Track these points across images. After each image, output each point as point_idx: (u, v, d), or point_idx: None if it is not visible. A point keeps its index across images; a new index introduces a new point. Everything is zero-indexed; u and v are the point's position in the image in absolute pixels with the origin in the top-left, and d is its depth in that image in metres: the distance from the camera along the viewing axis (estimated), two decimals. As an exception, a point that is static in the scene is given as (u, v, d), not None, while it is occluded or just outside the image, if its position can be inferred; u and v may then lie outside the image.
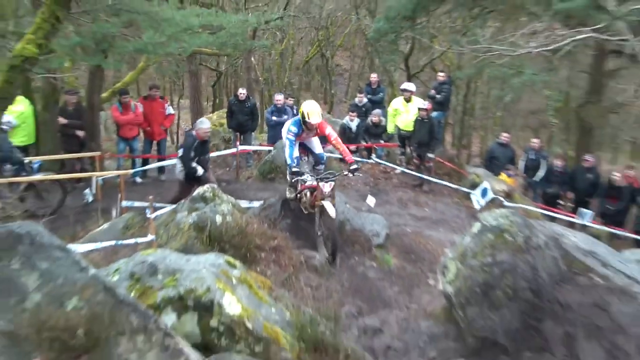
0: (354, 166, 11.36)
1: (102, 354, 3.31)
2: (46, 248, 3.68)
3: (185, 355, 3.23)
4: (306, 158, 12.47)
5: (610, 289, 6.41)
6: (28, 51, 9.30)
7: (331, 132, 11.77)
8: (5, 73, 9.18)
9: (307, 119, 11.26)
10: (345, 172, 11.38)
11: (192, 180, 13.55)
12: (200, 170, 14.06)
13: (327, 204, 10.45)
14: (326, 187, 10.74)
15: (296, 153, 11.52)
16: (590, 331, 6.16)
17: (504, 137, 21.35)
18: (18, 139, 15.75)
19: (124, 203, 13.80)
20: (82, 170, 16.53)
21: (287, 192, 12.02)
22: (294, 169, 11.23)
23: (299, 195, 11.60)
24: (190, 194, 10.04)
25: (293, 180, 11.68)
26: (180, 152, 14.28)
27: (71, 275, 3.57)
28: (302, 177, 11.25)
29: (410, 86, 20.22)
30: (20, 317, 3.43)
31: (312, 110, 11.32)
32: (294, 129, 11.51)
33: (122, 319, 3.38)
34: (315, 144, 12.41)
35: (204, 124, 14.42)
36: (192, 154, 14.01)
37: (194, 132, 14.19)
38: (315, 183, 10.94)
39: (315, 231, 10.94)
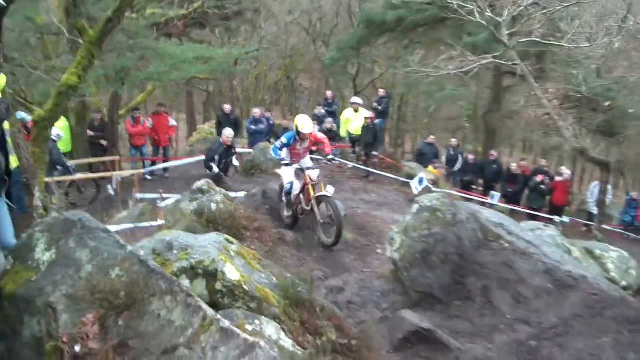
0: (330, 156, 11.09)
1: (139, 311, 3.34)
2: (93, 230, 3.72)
3: (204, 311, 3.27)
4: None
5: (514, 251, 6.54)
6: (71, 81, 9.30)
7: (319, 134, 11.32)
8: (55, 98, 9.22)
9: (300, 129, 10.41)
10: (325, 160, 11.02)
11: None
12: (215, 169, 14.47)
13: (321, 186, 9.94)
14: (313, 173, 10.16)
15: (283, 154, 10.64)
16: (501, 283, 6.27)
17: (431, 138, 21.69)
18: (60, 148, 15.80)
19: (138, 195, 13.79)
20: (106, 170, 16.49)
21: (285, 212, 10.96)
22: (284, 162, 10.58)
23: (295, 208, 10.69)
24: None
25: (286, 198, 10.79)
26: (206, 153, 14.91)
27: (113, 251, 3.61)
28: (293, 166, 10.54)
29: (358, 100, 20.29)
30: (77, 283, 3.47)
31: (304, 122, 10.52)
32: (284, 140, 10.63)
33: (153, 284, 3.41)
34: (308, 162, 11.06)
35: (227, 131, 14.81)
36: (217, 157, 14.53)
37: (220, 139, 14.59)
38: (305, 175, 10.29)
39: (317, 221, 10.04)
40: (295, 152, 10.76)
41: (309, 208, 10.22)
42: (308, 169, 10.40)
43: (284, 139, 10.67)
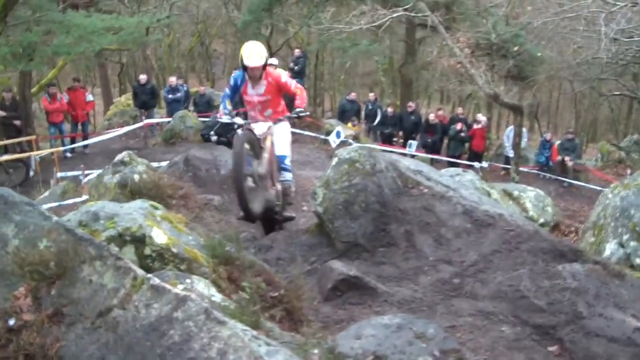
0: (299, 109, 7.39)
1: (70, 279, 3.39)
2: (17, 204, 3.72)
3: (134, 271, 3.35)
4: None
5: (433, 195, 6.76)
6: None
7: (288, 80, 7.70)
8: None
9: (245, 61, 7.08)
10: (294, 115, 7.45)
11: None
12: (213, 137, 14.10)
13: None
14: (258, 128, 7.34)
15: (229, 106, 7.44)
16: (422, 227, 6.50)
17: (352, 95, 21.91)
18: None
19: (59, 174, 13.57)
20: (22, 151, 16.11)
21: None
22: (224, 120, 7.59)
23: None
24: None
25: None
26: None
27: (39, 222, 3.64)
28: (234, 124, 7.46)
29: (274, 60, 20.19)
30: (5, 257, 3.50)
31: (250, 51, 7.14)
32: (231, 82, 7.59)
33: (82, 251, 3.46)
34: (278, 139, 7.60)
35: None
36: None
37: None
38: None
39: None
40: (248, 100, 7.66)
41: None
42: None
43: (228, 82, 7.84)
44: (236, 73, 7.60)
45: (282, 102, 7.81)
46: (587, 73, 19.25)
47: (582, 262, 5.61)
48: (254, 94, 7.46)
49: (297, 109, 7.43)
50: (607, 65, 16.09)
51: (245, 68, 7.19)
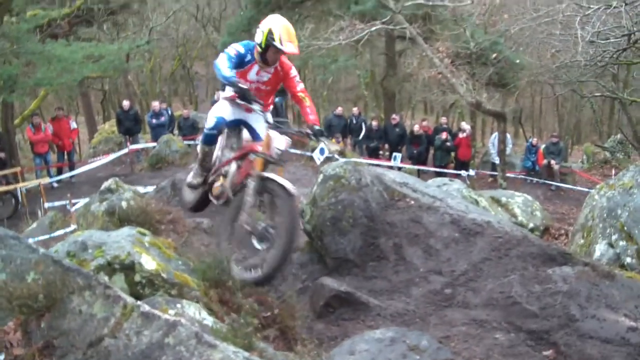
0: (318, 128, 5.71)
1: (60, 310, 3.39)
2: (3, 238, 3.74)
3: (124, 299, 3.35)
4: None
5: (420, 206, 6.77)
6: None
7: (297, 77, 6.04)
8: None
9: (276, 42, 5.36)
10: (308, 131, 5.62)
11: None
12: None
13: (280, 170, 6.19)
14: (279, 140, 5.76)
15: (232, 72, 5.39)
16: (410, 239, 6.50)
17: (339, 110, 22.03)
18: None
19: (47, 204, 13.56)
20: (8, 184, 16.07)
21: (191, 179, 6.44)
22: (231, 85, 5.33)
23: (211, 177, 6.29)
24: None
25: (202, 152, 6.08)
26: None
27: (26, 255, 3.64)
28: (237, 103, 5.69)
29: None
30: (-8, 292, 3.51)
31: (288, 32, 5.46)
32: (241, 50, 5.60)
33: (70, 281, 3.45)
34: (259, 125, 5.87)
35: None
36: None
37: None
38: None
39: (240, 220, 5.65)
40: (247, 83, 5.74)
41: (232, 192, 5.87)
42: (272, 124, 5.78)
43: (240, 48, 5.65)
44: (244, 47, 5.66)
45: (272, 97, 6.35)
46: (567, 76, 19.35)
47: (572, 265, 5.63)
48: (255, 80, 5.85)
49: (316, 128, 5.72)
50: (586, 67, 16.19)
51: (266, 49, 5.53)
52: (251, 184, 5.48)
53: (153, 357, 3.07)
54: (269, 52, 5.55)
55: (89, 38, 23.10)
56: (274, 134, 5.69)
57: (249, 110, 5.81)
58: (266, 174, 5.51)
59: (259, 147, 5.64)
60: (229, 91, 5.79)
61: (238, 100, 5.67)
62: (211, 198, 6.38)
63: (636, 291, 5.22)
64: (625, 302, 5.06)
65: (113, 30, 28.83)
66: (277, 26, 5.42)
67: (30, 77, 16.16)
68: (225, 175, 6.02)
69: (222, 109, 5.82)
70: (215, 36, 34.26)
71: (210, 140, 5.99)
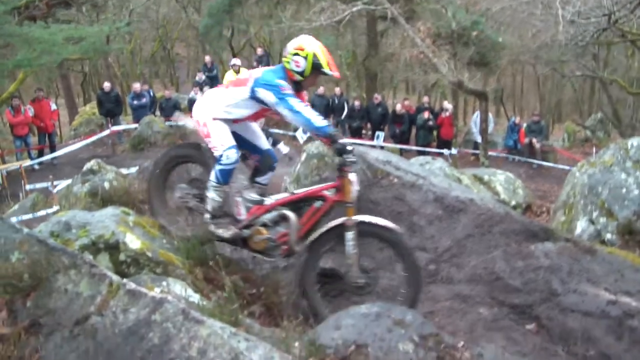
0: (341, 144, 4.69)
1: (45, 289, 3.38)
2: (-15, 220, 3.74)
3: (109, 277, 3.34)
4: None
5: (403, 184, 6.78)
6: None
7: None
8: None
9: (324, 68, 4.78)
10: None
11: None
12: None
13: (371, 217, 4.93)
14: (354, 179, 4.75)
15: (322, 122, 4.80)
16: (394, 217, 6.51)
17: (320, 89, 21.93)
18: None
19: (28, 186, 13.46)
20: (-13, 166, 15.98)
21: (215, 228, 5.04)
22: (340, 140, 4.67)
23: (245, 232, 5.02)
24: None
25: (224, 194, 5.02)
26: None
27: (10, 235, 3.62)
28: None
29: (237, 61, 20.17)
30: (-23, 273, 3.49)
31: (325, 51, 4.85)
32: (285, 82, 4.79)
33: (55, 261, 3.45)
34: (259, 135, 5.58)
35: None
36: None
37: None
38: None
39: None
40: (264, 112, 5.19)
41: (298, 248, 4.93)
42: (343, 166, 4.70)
43: (283, 85, 4.78)
44: (282, 79, 4.83)
45: None
46: (547, 56, 19.48)
47: (554, 241, 5.69)
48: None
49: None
50: (566, 47, 16.29)
51: (315, 70, 4.83)
52: (349, 235, 4.73)
53: (140, 333, 3.07)
54: (310, 78, 4.91)
55: (68, 20, 22.79)
56: (352, 176, 4.72)
57: (236, 122, 5.12)
58: (361, 218, 4.80)
59: (335, 194, 4.83)
60: (226, 113, 5.02)
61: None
62: (254, 254, 5.27)
63: (616, 266, 5.29)
64: (606, 277, 5.13)
65: (92, 12, 28.49)
66: (319, 50, 4.78)
67: (9, 60, 15.96)
68: (267, 225, 5.00)
69: (224, 135, 4.96)
70: (196, 17, 33.95)
71: (230, 178, 5.01)
